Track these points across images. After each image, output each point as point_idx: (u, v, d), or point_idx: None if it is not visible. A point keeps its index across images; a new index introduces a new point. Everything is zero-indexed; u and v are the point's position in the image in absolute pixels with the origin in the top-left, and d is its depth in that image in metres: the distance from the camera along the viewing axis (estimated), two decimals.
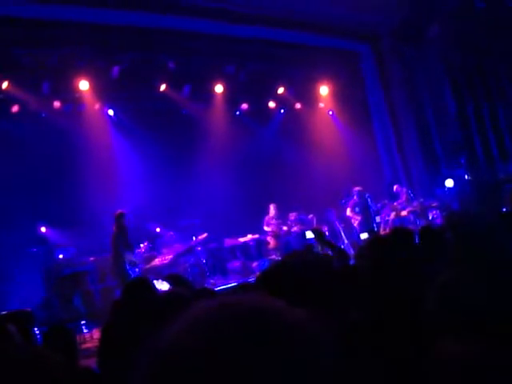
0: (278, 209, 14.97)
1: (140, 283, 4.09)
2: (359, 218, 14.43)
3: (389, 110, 16.78)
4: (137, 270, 11.12)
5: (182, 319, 0.87)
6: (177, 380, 0.79)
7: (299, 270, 1.49)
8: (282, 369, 0.80)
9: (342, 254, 5.15)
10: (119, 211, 11.18)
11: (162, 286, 4.17)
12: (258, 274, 1.54)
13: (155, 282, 3.94)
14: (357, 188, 14.57)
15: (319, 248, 11.31)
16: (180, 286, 3.80)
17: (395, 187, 15.09)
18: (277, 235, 14.70)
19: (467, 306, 1.82)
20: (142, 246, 12.96)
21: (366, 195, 14.45)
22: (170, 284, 4.12)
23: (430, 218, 14.66)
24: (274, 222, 14.86)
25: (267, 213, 15.03)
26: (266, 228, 14.92)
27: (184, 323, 0.86)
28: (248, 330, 0.82)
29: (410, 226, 14.07)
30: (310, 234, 13.84)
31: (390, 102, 16.75)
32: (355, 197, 14.52)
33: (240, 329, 0.82)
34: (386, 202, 15.05)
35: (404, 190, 15.05)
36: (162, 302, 2.86)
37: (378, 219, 14.75)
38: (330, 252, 9.62)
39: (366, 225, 14.18)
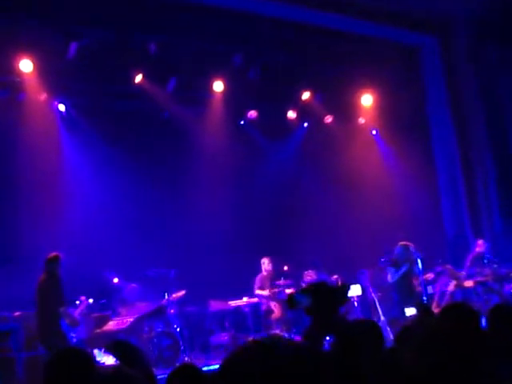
0: (274, 263, 14.87)
1: (73, 356, 3.92)
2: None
3: (457, 133, 16.69)
4: (74, 335, 11.01)
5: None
6: None
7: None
8: None
9: None
10: (53, 254, 11.19)
11: (106, 359, 3.94)
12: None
13: (96, 352, 3.69)
14: (402, 243, 14.36)
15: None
16: (129, 362, 3.58)
17: (479, 242, 14.91)
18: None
19: None
20: (77, 302, 12.77)
21: (417, 256, 14.29)
22: (116, 357, 3.88)
23: (506, 292, 14.48)
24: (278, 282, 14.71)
25: (259, 270, 14.94)
26: (258, 291, 14.81)
27: None
28: None
29: (477, 303, 13.90)
30: (356, 291, 14.19)
31: (460, 121, 16.66)
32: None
33: None
34: (448, 266, 14.82)
35: (485, 247, 14.87)
36: None
37: (430, 290, 14.56)
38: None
39: (410, 296, 13.94)
